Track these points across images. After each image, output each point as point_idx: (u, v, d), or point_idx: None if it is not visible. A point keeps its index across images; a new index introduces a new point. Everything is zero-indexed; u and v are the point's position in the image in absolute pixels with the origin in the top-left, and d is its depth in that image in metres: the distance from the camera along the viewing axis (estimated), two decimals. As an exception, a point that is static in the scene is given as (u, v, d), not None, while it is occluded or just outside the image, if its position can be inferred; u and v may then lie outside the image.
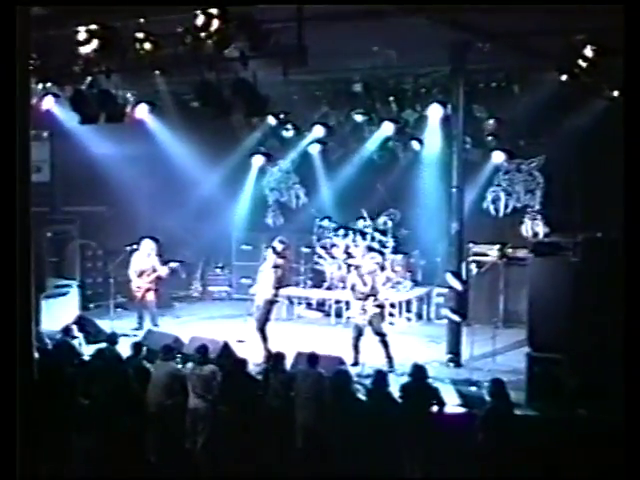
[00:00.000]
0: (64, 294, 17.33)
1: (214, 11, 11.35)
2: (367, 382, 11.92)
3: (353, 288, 14.36)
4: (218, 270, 20.48)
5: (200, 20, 11.46)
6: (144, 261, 16.84)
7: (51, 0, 10.79)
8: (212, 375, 11.43)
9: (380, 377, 11.11)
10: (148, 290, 16.83)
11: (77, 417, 11.73)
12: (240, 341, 14.78)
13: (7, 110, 9.04)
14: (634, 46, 7.80)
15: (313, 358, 11.49)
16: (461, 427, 10.85)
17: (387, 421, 10.54)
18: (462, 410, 11.58)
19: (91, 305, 18.26)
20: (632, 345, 7.07)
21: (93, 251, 18.88)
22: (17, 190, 9.24)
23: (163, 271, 16.87)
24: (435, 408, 10.75)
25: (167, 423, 11.59)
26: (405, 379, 11.32)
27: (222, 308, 19.23)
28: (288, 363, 11.97)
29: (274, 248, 14.88)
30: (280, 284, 14.93)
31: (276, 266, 14.69)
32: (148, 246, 16.85)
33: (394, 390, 11.01)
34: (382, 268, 14.56)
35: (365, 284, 14.13)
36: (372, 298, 14.04)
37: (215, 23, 11.38)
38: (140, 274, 16.79)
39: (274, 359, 11.86)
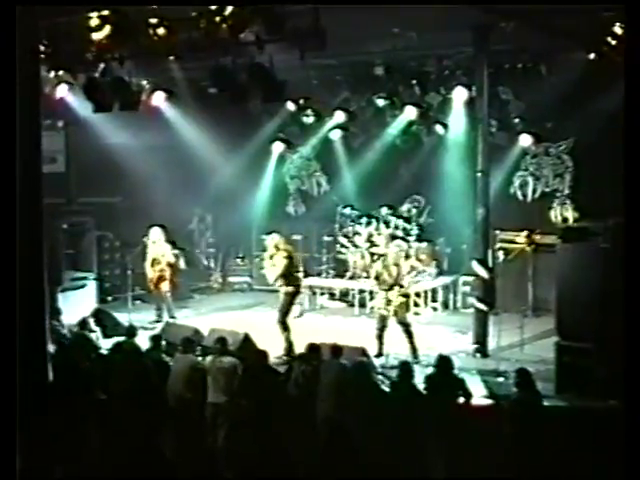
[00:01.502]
0: (81, 287, 17.15)
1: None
2: (391, 373, 11.69)
3: (378, 278, 14.04)
4: (238, 260, 20.24)
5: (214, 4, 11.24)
6: (154, 249, 16.56)
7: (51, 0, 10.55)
8: (233, 368, 11.19)
9: (405, 368, 10.81)
10: (161, 279, 16.56)
11: (95, 411, 11.56)
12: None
13: (9, 102, 8.87)
14: (634, 46, 7.53)
15: (336, 349, 11.23)
16: (488, 419, 10.58)
17: (412, 413, 10.24)
18: (489, 402, 11.32)
19: (109, 298, 18.05)
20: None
21: (110, 243, 18.63)
22: (21, 180, 9.14)
23: (171, 258, 16.58)
24: (461, 400, 10.44)
25: (187, 417, 11.36)
26: (430, 370, 11.04)
27: (243, 299, 18.99)
28: (320, 355, 11.57)
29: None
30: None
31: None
32: (155, 234, 16.54)
33: (419, 381, 10.75)
34: (407, 257, 14.23)
35: (390, 274, 13.83)
36: (397, 288, 13.75)
37: (229, 7, 11.15)
38: (152, 263, 16.55)
39: (308, 351, 11.54)
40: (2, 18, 8.48)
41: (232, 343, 12.18)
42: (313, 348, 11.41)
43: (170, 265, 16.61)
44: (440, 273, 17.86)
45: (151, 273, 16.55)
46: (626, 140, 7.53)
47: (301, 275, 14.84)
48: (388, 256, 14.17)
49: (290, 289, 14.30)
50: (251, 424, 11.03)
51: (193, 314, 17.16)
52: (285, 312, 14.26)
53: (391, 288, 13.76)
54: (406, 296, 14.05)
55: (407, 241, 16.83)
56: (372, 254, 17.37)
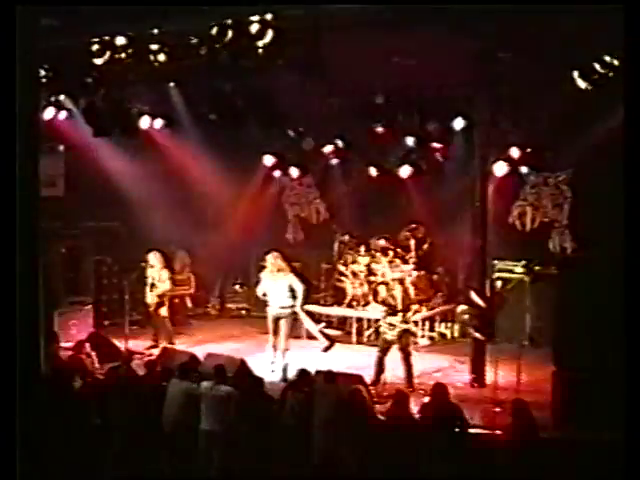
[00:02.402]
0: (78, 311, 17.06)
1: (229, 21, 11.22)
2: (387, 401, 11.58)
3: (384, 303, 14.09)
4: (237, 287, 20.17)
5: (215, 31, 11.31)
6: (152, 274, 16.53)
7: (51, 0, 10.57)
8: (227, 397, 11.15)
9: (400, 396, 10.79)
10: (160, 305, 16.50)
11: (90, 437, 11.51)
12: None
13: (8, 121, 8.88)
14: (634, 46, 7.53)
15: (330, 376, 11.22)
16: (484, 449, 10.51)
17: (407, 441, 10.21)
18: (485, 431, 11.24)
19: (106, 322, 17.88)
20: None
21: (108, 267, 18.50)
22: (21, 204, 9.14)
23: (167, 284, 16.53)
24: (457, 429, 10.38)
25: (182, 443, 11.32)
26: (427, 399, 10.99)
27: (241, 326, 18.86)
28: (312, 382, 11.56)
29: None
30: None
31: None
32: (154, 259, 16.53)
33: (415, 410, 10.71)
34: (403, 286, 14.27)
35: (395, 299, 13.90)
36: (401, 314, 13.79)
37: (230, 33, 11.22)
38: (151, 288, 16.51)
39: (299, 377, 11.52)
40: (2, 19, 8.48)
41: (228, 369, 12.12)
42: (304, 374, 11.39)
43: (168, 290, 16.58)
44: (438, 302, 17.80)
45: (150, 298, 16.52)
46: (626, 146, 7.52)
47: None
48: (391, 282, 14.24)
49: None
50: (245, 451, 10.99)
51: (190, 340, 17.05)
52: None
53: (395, 314, 13.80)
54: (408, 323, 14.04)
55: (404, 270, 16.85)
56: (370, 282, 17.39)
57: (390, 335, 13.80)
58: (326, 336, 16.26)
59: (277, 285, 14.87)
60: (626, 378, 8.58)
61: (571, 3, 10.37)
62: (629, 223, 7.66)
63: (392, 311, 13.86)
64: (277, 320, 14.81)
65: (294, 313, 15.00)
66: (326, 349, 15.72)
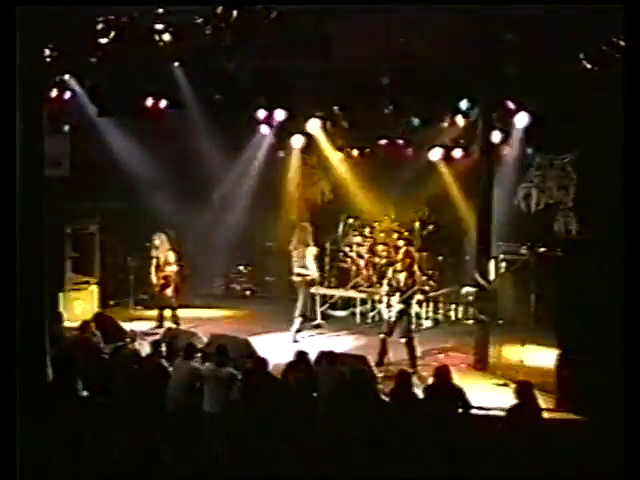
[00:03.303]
0: (84, 291, 17.11)
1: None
2: (391, 383, 11.62)
3: (390, 284, 14.15)
4: (241, 267, 20.17)
5: (220, 10, 11.29)
6: (157, 255, 16.53)
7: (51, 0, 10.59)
8: (230, 377, 11.17)
9: (404, 378, 10.79)
10: (165, 285, 16.51)
11: (95, 415, 11.55)
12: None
13: (9, 108, 8.89)
14: (634, 46, 7.51)
15: (332, 356, 11.23)
16: (487, 430, 10.52)
17: (411, 423, 10.23)
18: (488, 413, 11.25)
19: (111, 302, 17.94)
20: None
21: (113, 247, 18.59)
22: (23, 184, 9.18)
23: (173, 267, 16.53)
24: (460, 410, 10.40)
25: (185, 423, 11.34)
26: (430, 380, 11.00)
27: (245, 306, 18.89)
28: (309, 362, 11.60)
29: None
30: None
31: None
32: (159, 240, 16.56)
33: (418, 391, 10.72)
34: (411, 271, 14.31)
35: (398, 281, 13.94)
36: (399, 294, 13.80)
37: (234, 13, 11.20)
38: (156, 269, 16.51)
39: (295, 358, 11.56)
40: (2, 18, 8.50)
41: (232, 349, 12.14)
42: (301, 355, 11.42)
43: (174, 271, 16.63)
44: (442, 283, 17.80)
45: (155, 279, 16.55)
46: (626, 142, 7.53)
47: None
48: (397, 264, 14.29)
49: None
50: (248, 433, 11.01)
51: (195, 320, 16.95)
52: None
53: (393, 293, 13.87)
54: (407, 303, 14.06)
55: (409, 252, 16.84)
56: (374, 264, 17.41)
57: (389, 316, 13.83)
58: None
59: (296, 254, 15.98)
60: (627, 358, 8.57)
61: (571, 3, 10.36)
62: (629, 210, 7.64)
63: (395, 292, 13.89)
64: (297, 286, 15.92)
65: (312, 281, 16.00)
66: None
